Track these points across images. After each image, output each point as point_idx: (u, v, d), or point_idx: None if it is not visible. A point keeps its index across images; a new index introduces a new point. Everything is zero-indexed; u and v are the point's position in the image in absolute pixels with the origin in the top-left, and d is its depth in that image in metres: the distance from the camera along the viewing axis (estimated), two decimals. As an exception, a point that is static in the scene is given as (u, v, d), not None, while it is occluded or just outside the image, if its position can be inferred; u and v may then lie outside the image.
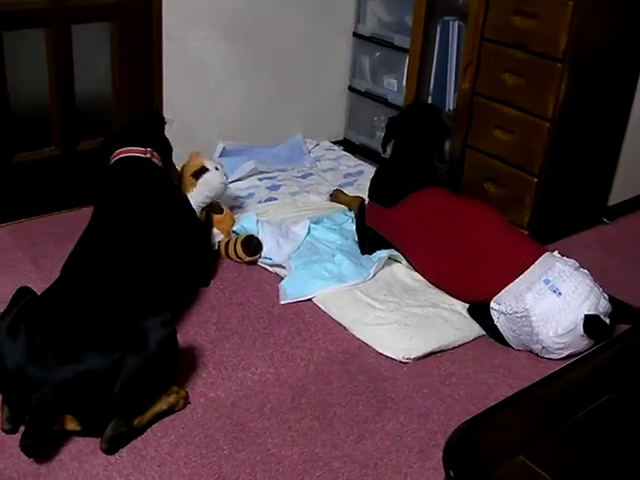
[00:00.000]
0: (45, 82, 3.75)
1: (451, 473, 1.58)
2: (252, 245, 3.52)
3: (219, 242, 3.62)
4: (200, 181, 3.60)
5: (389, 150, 3.86)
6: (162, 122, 3.58)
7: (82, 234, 3.03)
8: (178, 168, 3.69)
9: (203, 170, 3.62)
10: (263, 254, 3.54)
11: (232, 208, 3.87)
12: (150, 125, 3.52)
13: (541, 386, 1.86)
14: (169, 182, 3.38)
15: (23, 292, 2.72)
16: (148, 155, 3.30)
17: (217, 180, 3.63)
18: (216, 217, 3.67)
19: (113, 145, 3.37)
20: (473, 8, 3.77)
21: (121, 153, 3.31)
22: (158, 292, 2.91)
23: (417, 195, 3.50)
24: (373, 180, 3.80)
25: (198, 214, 3.59)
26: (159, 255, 3.00)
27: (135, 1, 3.85)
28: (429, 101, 4.33)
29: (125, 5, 3.83)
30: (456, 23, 4.13)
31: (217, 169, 3.66)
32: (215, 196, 3.65)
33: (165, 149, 3.49)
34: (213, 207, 3.68)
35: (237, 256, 3.54)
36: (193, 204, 3.54)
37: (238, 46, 4.30)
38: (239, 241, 3.54)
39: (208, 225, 3.64)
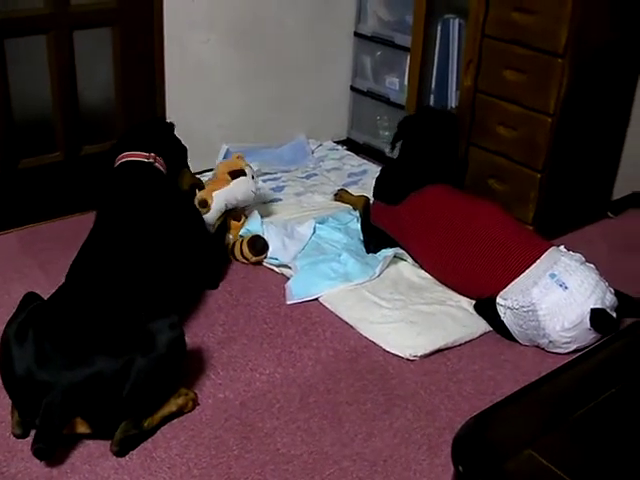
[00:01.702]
0: (48, 88, 3.77)
1: (460, 468, 1.58)
2: (258, 245, 3.53)
3: (226, 245, 3.63)
4: (235, 181, 3.64)
5: (396, 151, 3.87)
6: (170, 127, 3.58)
7: (86, 238, 3.04)
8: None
9: (241, 172, 3.67)
10: (269, 254, 3.55)
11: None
12: (156, 130, 3.52)
13: (548, 380, 1.87)
14: (171, 187, 3.36)
15: (30, 298, 2.72)
16: (151, 160, 3.30)
17: (250, 186, 3.67)
18: (233, 223, 3.68)
19: (119, 149, 3.38)
20: (473, 5, 3.77)
21: (124, 157, 3.32)
22: (164, 295, 2.92)
23: (422, 193, 3.51)
24: (378, 179, 3.82)
25: (218, 215, 3.61)
26: (163, 258, 3.01)
27: (136, 6, 3.87)
28: (431, 100, 4.34)
29: (126, 10, 3.85)
30: (457, 21, 4.15)
31: (252, 177, 3.72)
32: (242, 201, 3.67)
33: (174, 154, 3.48)
34: (234, 213, 3.70)
35: (243, 256, 3.55)
36: (220, 202, 3.58)
37: (240, 48, 4.31)
38: (245, 241, 3.55)
39: (223, 229, 3.65)
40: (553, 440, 1.64)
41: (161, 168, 3.32)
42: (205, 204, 3.56)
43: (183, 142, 3.57)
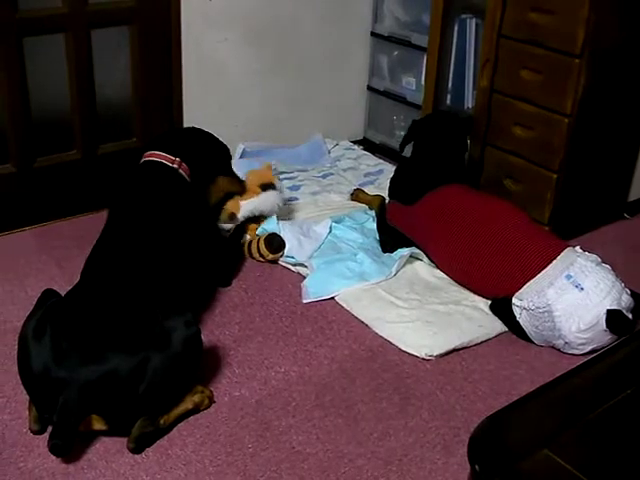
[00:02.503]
0: (66, 87, 3.79)
1: (476, 467, 1.59)
2: (275, 243, 3.54)
3: (242, 242, 3.65)
4: (264, 193, 3.67)
5: (407, 151, 3.88)
6: (206, 136, 3.57)
7: (100, 235, 3.05)
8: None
9: (271, 186, 3.71)
10: (285, 253, 3.56)
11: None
12: (190, 136, 3.52)
13: (564, 380, 1.87)
14: (190, 193, 3.34)
15: (48, 294, 2.74)
16: (175, 165, 3.29)
17: (277, 200, 3.69)
18: (250, 225, 3.69)
19: (149, 147, 3.40)
20: (490, 5, 3.76)
21: (149, 156, 3.33)
22: (178, 292, 2.93)
23: (437, 192, 3.51)
24: (393, 178, 3.82)
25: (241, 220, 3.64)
26: (176, 255, 3.02)
27: (154, 5, 3.89)
28: (448, 100, 4.34)
29: (144, 9, 3.86)
30: (473, 21, 4.14)
31: (281, 191, 3.76)
32: (267, 213, 3.69)
33: (204, 162, 3.46)
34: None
35: (260, 254, 3.56)
36: (246, 212, 3.60)
37: (257, 47, 4.32)
38: (262, 239, 3.56)
39: (240, 231, 3.66)
40: (569, 440, 1.64)
41: (184, 174, 3.32)
42: (233, 217, 3.58)
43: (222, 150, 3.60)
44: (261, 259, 3.58)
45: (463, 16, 4.17)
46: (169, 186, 3.26)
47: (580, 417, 1.71)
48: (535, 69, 3.66)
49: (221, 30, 4.15)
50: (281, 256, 3.57)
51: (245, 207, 3.60)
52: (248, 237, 3.67)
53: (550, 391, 1.84)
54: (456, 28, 4.19)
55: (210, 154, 3.53)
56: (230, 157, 3.66)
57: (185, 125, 4.12)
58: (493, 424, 1.70)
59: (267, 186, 3.70)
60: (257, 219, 3.69)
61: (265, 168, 3.84)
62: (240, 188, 3.66)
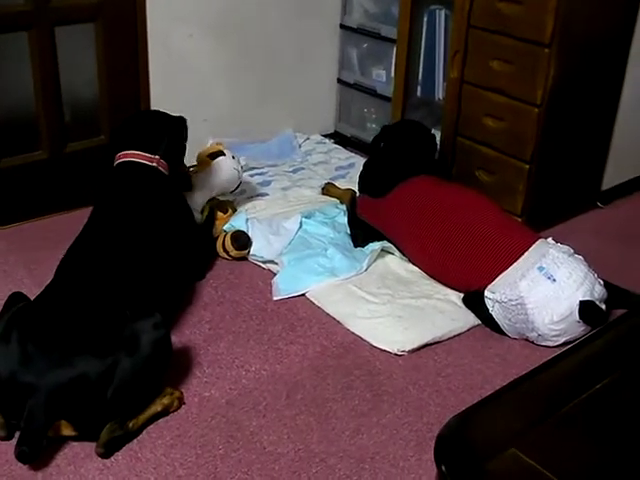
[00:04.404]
0: (31, 85, 3.73)
1: (443, 468, 1.56)
2: (241, 240, 3.51)
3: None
4: (215, 160, 3.72)
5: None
6: (176, 123, 3.50)
7: (75, 238, 3.02)
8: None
9: (220, 153, 3.76)
10: (253, 251, 3.52)
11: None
12: (161, 125, 3.43)
13: (533, 376, 1.84)
14: (172, 191, 3.32)
15: (15, 298, 2.71)
16: (154, 164, 3.25)
17: (230, 164, 3.74)
18: (219, 215, 3.68)
19: (120, 145, 3.32)
20: (459, -4, 3.75)
21: (126, 156, 3.26)
22: (152, 294, 2.89)
23: (407, 184, 3.49)
24: (362, 172, 3.80)
25: (205, 198, 3.66)
26: (152, 260, 2.99)
27: (118, 1, 3.82)
28: (418, 91, 4.33)
29: (108, 5, 3.80)
30: (442, 12, 4.11)
31: (233, 157, 3.79)
32: (226, 181, 3.72)
33: (177, 152, 3.45)
34: (221, 204, 3.72)
35: (225, 250, 3.53)
36: (203, 181, 3.64)
37: (224, 42, 4.28)
38: (228, 235, 3.53)
39: (211, 221, 3.63)
40: (537, 438, 1.62)
41: (164, 171, 3.28)
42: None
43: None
44: (225, 255, 3.54)
45: (432, 7, 4.14)
46: (153, 190, 3.22)
47: (548, 414, 1.69)
48: (505, 59, 3.64)
49: (187, 25, 4.10)
50: (247, 254, 3.53)
51: (200, 177, 3.65)
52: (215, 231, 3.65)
53: (518, 388, 1.82)
54: (425, 19, 4.17)
55: (179, 139, 3.48)
56: (186, 128, 3.57)
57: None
58: (460, 423, 1.68)
59: (216, 154, 3.75)
60: (224, 207, 3.70)
61: (213, 144, 3.92)
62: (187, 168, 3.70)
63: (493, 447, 1.60)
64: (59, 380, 2.42)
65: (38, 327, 2.54)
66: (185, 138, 3.52)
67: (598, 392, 1.76)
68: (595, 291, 3.01)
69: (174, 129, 3.45)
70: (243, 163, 4.16)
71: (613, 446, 1.65)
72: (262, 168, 4.32)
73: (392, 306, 3.20)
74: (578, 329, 2.99)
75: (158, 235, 3.08)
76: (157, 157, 3.26)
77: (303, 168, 4.40)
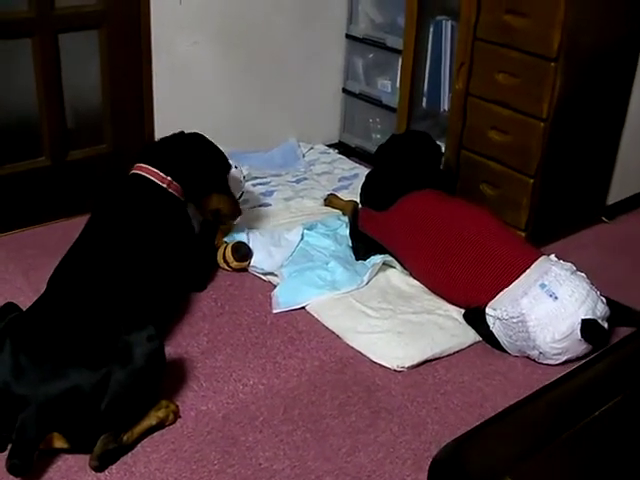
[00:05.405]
0: (34, 92, 3.71)
1: (436, 495, 1.54)
2: (241, 251, 3.48)
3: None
4: None
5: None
6: (209, 152, 3.50)
7: (70, 247, 3.00)
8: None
9: None
10: (253, 263, 3.50)
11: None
12: (190, 150, 3.43)
13: (531, 400, 1.81)
14: (177, 212, 3.30)
15: (9, 308, 2.69)
16: (164, 184, 3.24)
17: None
18: (222, 227, 3.65)
19: (143, 156, 3.33)
20: (465, 8, 3.71)
21: (141, 169, 3.26)
22: (146, 306, 2.87)
23: (410, 198, 3.46)
24: (365, 183, 3.77)
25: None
26: (147, 271, 2.97)
27: (122, 8, 3.81)
28: (424, 102, 4.30)
29: (112, 13, 3.79)
30: (449, 23, 4.08)
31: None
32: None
33: (198, 178, 3.40)
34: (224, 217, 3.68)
35: (225, 261, 3.50)
36: None
37: (229, 50, 4.26)
38: (229, 246, 3.50)
39: (212, 231, 3.60)
40: (533, 467, 1.58)
41: (174, 192, 3.26)
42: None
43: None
44: (225, 266, 3.52)
45: (438, 18, 4.12)
46: (153, 205, 3.20)
47: (547, 441, 1.66)
48: (511, 72, 3.61)
49: (192, 33, 4.08)
50: (247, 265, 3.50)
51: None
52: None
53: (517, 412, 1.78)
54: (431, 30, 4.14)
55: (206, 170, 3.45)
56: (228, 171, 3.58)
57: (157, 130, 4.06)
58: (455, 449, 1.65)
59: None
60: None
61: None
62: (230, 207, 3.57)
63: (487, 475, 1.56)
64: (51, 392, 2.40)
65: (31, 338, 2.52)
66: (216, 171, 3.51)
67: (599, 418, 1.72)
68: (597, 309, 2.98)
69: (204, 158, 3.45)
70: (246, 172, 4.15)
71: (608, 474, 1.62)
72: (265, 178, 4.30)
73: (392, 321, 3.17)
74: (580, 347, 2.96)
75: (153, 247, 3.06)
76: (169, 179, 3.25)
77: (306, 178, 4.37)
